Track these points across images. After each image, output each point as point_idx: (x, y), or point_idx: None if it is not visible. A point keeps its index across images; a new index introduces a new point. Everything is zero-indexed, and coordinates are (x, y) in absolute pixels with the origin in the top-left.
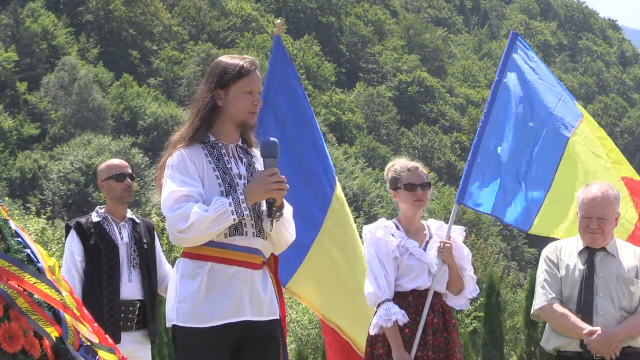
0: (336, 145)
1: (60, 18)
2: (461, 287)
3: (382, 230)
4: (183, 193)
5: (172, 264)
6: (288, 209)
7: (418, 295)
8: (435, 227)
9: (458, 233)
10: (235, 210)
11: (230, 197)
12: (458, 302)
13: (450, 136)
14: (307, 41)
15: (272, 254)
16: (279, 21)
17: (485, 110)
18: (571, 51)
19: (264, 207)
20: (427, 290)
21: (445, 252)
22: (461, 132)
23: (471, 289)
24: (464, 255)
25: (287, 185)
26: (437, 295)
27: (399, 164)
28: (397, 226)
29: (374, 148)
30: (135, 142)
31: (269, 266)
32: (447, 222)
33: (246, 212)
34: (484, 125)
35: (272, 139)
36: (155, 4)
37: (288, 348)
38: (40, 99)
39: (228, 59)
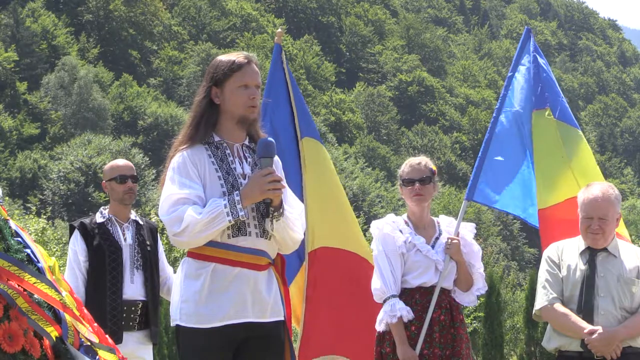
0: (336, 145)
1: (60, 18)
2: (470, 283)
3: (390, 226)
4: (180, 196)
5: (172, 264)
6: (297, 208)
7: (425, 292)
8: (446, 224)
9: (469, 230)
10: (231, 212)
11: (227, 198)
12: (467, 299)
13: (450, 136)
14: (307, 41)
15: (279, 255)
16: (279, 30)
17: (497, 106)
18: (571, 51)
19: None
20: (433, 286)
21: (452, 248)
22: (461, 132)
23: (480, 285)
24: (473, 252)
25: (284, 184)
26: (444, 291)
27: (407, 161)
28: (406, 222)
29: (374, 148)
30: (135, 142)
31: (275, 267)
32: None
33: (242, 213)
34: (494, 122)
35: (268, 138)
36: (155, 4)
37: None
38: (40, 99)
39: (222, 57)
